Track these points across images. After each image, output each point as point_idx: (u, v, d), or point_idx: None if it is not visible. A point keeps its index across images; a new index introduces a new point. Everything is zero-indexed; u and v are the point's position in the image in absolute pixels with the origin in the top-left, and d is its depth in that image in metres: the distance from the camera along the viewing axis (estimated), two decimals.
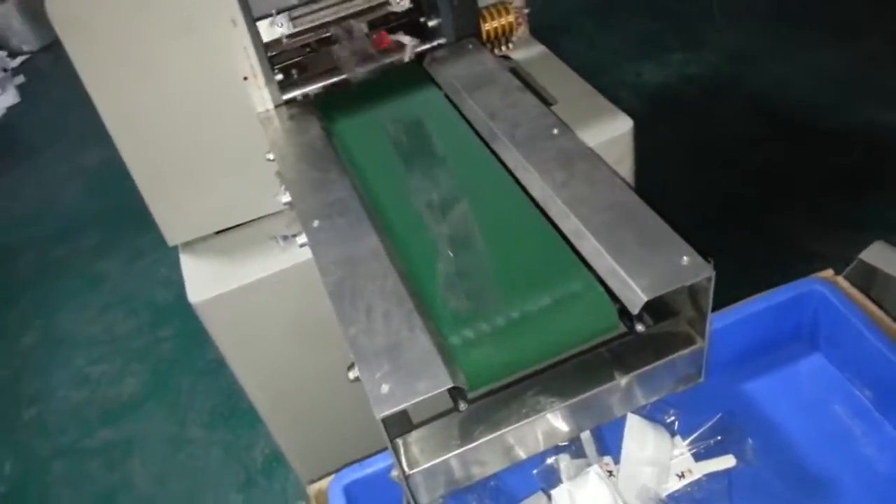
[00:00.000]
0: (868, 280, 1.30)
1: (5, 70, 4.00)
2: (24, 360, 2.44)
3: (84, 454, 2.10)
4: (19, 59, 4.11)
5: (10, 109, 3.83)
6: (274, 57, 1.25)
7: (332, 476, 0.95)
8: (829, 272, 1.08)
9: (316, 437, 1.47)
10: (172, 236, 1.30)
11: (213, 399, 2.14)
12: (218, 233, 1.31)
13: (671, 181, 2.45)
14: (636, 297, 0.77)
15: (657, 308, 0.91)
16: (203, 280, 1.24)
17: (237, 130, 1.20)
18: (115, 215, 2.85)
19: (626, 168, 1.38)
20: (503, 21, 1.38)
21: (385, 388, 0.74)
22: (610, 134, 1.33)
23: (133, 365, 2.33)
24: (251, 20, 1.14)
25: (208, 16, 1.09)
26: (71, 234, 2.91)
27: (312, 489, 0.97)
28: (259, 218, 1.30)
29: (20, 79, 4.00)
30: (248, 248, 1.26)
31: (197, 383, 2.20)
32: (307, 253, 0.95)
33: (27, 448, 2.15)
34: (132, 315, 2.51)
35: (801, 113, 2.67)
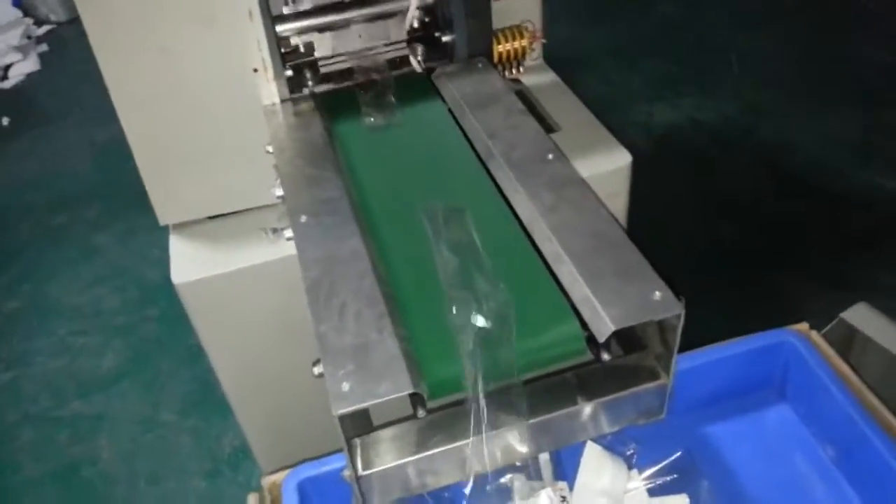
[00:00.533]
0: (848, 340, 1.31)
1: (30, 37, 4.03)
2: (6, 323, 2.45)
3: (53, 424, 2.10)
4: (45, 28, 4.15)
5: (30, 76, 3.86)
6: (286, 54, 1.27)
7: (288, 471, 0.95)
8: (804, 325, 1.09)
9: (283, 431, 1.47)
10: (165, 216, 1.31)
11: (188, 385, 2.14)
12: (210, 218, 1.33)
13: (667, 224, 2.47)
14: (604, 325, 0.78)
15: (627, 339, 0.93)
16: (189, 262, 1.25)
17: (241, 120, 1.21)
18: (117, 191, 2.87)
19: (620, 203, 1.40)
20: (516, 45, 1.39)
21: (346, 386, 0.74)
22: (608, 166, 1.35)
23: (115, 341, 2.33)
24: (268, 15, 1.16)
25: (226, 5, 1.11)
26: (72, 204, 2.93)
27: (266, 481, 0.97)
28: (253, 208, 1.32)
29: (43, 47, 4.03)
30: (237, 237, 1.27)
31: (175, 367, 2.21)
32: (293, 248, 0.96)
33: None
34: (120, 291, 2.52)
35: (806, 172, 2.69)
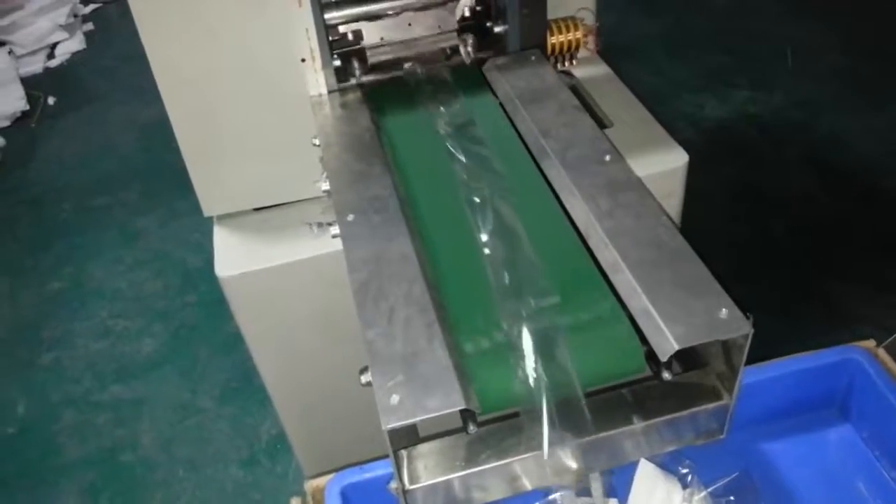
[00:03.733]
0: None
1: (76, 16, 4.06)
2: (50, 304, 2.47)
3: (94, 407, 2.12)
4: (91, 7, 4.17)
5: (75, 55, 3.88)
6: (334, 42, 1.24)
7: (331, 476, 0.93)
8: (870, 342, 1.03)
9: (323, 429, 1.46)
10: (209, 207, 1.29)
11: (227, 372, 2.14)
12: (255, 210, 1.31)
13: (714, 221, 2.40)
14: (667, 343, 0.74)
15: (687, 355, 0.88)
16: (233, 255, 1.24)
17: (287, 111, 1.19)
18: (160, 173, 2.88)
19: (674, 203, 1.35)
20: (570, 36, 1.34)
21: (395, 399, 0.72)
22: (663, 166, 1.30)
23: (155, 325, 2.34)
24: (318, 3, 1.13)
25: None
26: (114, 185, 2.95)
27: (309, 486, 0.95)
28: (298, 201, 1.29)
29: (89, 26, 4.05)
30: (282, 230, 1.25)
31: (214, 354, 2.21)
32: (339, 244, 0.93)
33: (41, 392, 2.18)
34: (161, 275, 2.53)
35: (858, 170, 2.59)
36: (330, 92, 1.20)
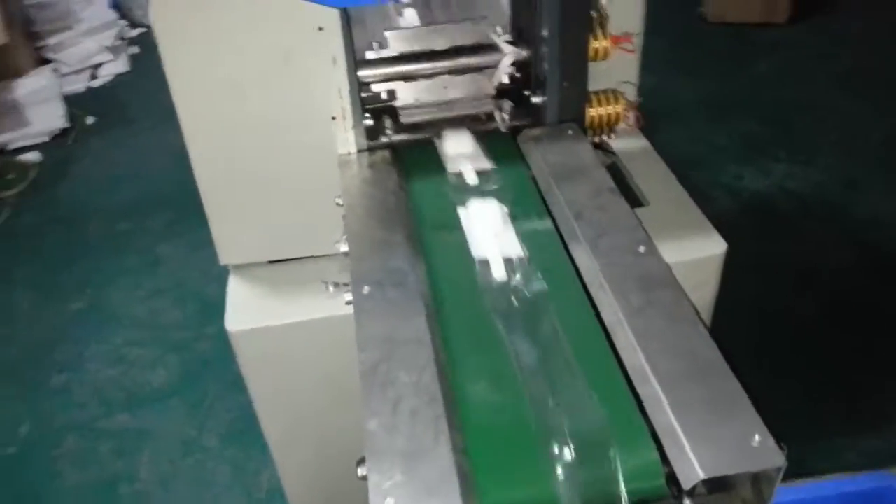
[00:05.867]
0: None
1: (123, 39, 4.14)
2: (67, 325, 2.46)
3: (98, 434, 2.08)
4: (138, 31, 4.25)
5: (119, 77, 3.95)
6: (367, 98, 1.21)
7: None
8: None
9: (322, 491, 1.40)
10: (226, 256, 1.27)
11: (235, 412, 2.10)
12: (271, 262, 1.28)
13: (743, 294, 2.32)
14: (692, 471, 0.68)
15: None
16: (245, 309, 1.21)
17: (313, 167, 1.16)
18: (187, 201, 2.83)
19: (708, 293, 1.29)
20: (611, 109, 1.31)
21: (390, 502, 0.67)
22: (699, 253, 1.24)
23: (169, 356, 2.32)
24: (353, 62, 1.11)
25: (310, 50, 1.06)
26: (141, 210, 2.95)
27: None
28: (316, 256, 1.26)
29: (134, 49, 4.13)
30: (296, 286, 1.22)
31: (224, 391, 2.17)
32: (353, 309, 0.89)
33: (46, 415, 2.15)
34: (180, 305, 2.51)
35: None
36: (359, 151, 1.17)
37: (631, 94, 1.36)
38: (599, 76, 1.28)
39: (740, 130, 3.20)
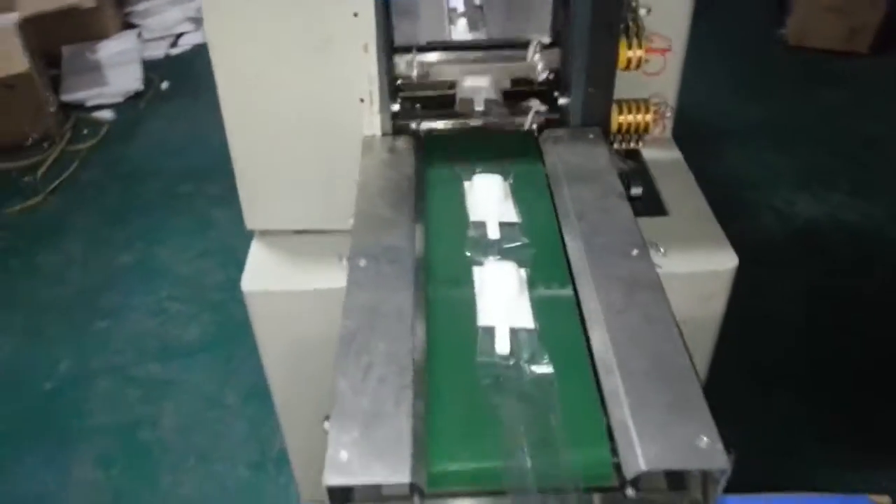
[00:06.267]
0: None
1: None
2: (115, 275, 2.59)
3: (129, 380, 2.20)
4: None
5: (197, 47, 4.09)
6: (401, 84, 1.26)
7: None
8: (884, 498, 0.96)
9: (321, 451, 1.46)
10: (252, 221, 1.33)
11: (258, 374, 2.16)
12: (295, 232, 1.34)
13: (776, 322, 2.30)
14: (634, 462, 0.71)
15: (670, 472, 0.84)
16: (262, 272, 1.27)
17: (339, 145, 1.21)
18: None
19: (716, 307, 1.30)
20: (639, 118, 1.33)
21: (344, 455, 0.71)
22: (710, 266, 1.26)
23: (204, 314, 2.42)
24: (386, 50, 1.15)
25: (345, 38, 1.11)
26: (201, 175, 3.07)
27: None
28: (338, 231, 1.31)
29: None
30: (314, 257, 1.27)
31: (252, 353, 2.22)
32: None
33: (85, 356, 2.28)
34: (223, 267, 2.61)
35: None
36: (384, 134, 1.21)
37: (664, 105, 1.37)
38: (636, 85, 1.30)
39: (802, 157, 3.13)
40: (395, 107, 1.21)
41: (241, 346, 2.29)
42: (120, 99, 3.57)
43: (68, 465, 1.98)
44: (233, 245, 2.72)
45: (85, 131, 3.38)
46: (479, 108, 1.19)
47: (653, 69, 1.27)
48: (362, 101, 1.17)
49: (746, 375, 2.09)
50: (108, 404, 2.13)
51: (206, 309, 2.45)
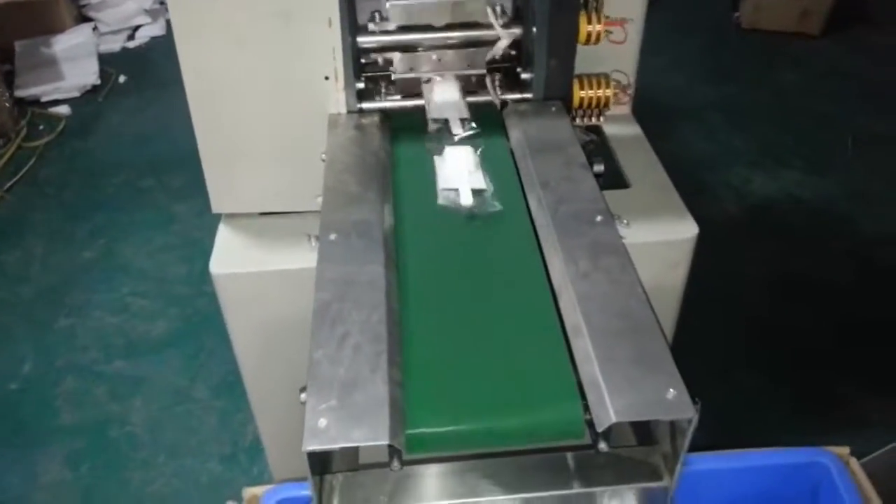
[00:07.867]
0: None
1: (162, 3, 4.23)
2: (77, 272, 2.55)
3: (96, 377, 2.17)
4: None
5: (154, 39, 4.03)
6: (366, 65, 1.26)
7: (269, 487, 0.93)
8: (844, 449, 0.99)
9: (296, 434, 1.46)
10: (218, 204, 1.33)
11: (227, 366, 2.16)
12: (261, 214, 1.33)
13: (736, 300, 2.35)
14: (605, 415, 0.72)
15: (641, 429, 0.87)
16: (230, 254, 1.26)
17: (304, 124, 1.21)
18: None
19: (679, 275, 1.32)
20: (599, 93, 1.34)
21: (323, 422, 0.72)
22: (672, 235, 1.28)
23: (170, 309, 2.40)
24: (351, 25, 1.16)
25: (306, 10, 1.11)
26: (163, 169, 3.03)
27: (247, 493, 0.96)
28: (305, 212, 1.31)
29: None
30: (282, 238, 1.27)
31: (219, 346, 2.24)
32: None
33: (49, 355, 2.24)
34: (186, 261, 2.59)
35: None
36: (349, 112, 1.22)
37: (625, 80, 1.39)
38: (596, 61, 1.32)
39: (758, 136, 3.21)
40: (360, 84, 1.21)
41: (208, 339, 2.27)
42: (76, 93, 3.50)
43: (35, 466, 1.95)
44: (194, 238, 2.70)
45: (41, 127, 3.32)
46: (458, 132, 1.19)
47: (616, 38, 1.29)
48: (327, 78, 1.17)
49: (704, 350, 2.13)
50: (76, 403, 2.10)
51: (171, 303, 2.43)
